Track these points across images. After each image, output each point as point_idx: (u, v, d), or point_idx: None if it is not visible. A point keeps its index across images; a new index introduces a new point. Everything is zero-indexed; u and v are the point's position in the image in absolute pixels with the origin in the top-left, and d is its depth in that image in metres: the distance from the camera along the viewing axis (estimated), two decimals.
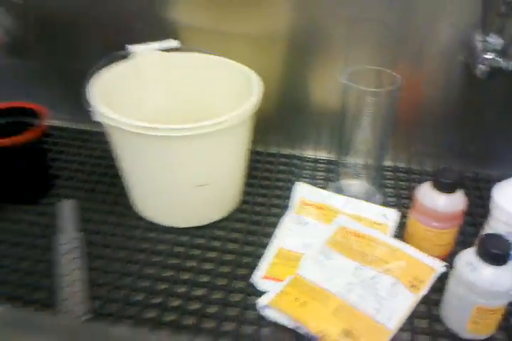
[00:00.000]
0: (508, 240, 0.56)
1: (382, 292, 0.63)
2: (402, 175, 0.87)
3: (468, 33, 0.75)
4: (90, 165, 0.88)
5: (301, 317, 0.59)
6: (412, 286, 0.64)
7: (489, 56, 0.72)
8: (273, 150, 0.92)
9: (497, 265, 0.56)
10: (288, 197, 0.80)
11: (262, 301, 0.62)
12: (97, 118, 0.66)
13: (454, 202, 0.67)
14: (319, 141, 0.91)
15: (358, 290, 0.63)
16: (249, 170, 0.83)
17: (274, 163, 0.90)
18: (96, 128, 0.93)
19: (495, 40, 0.72)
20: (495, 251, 0.55)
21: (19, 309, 0.61)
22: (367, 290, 0.63)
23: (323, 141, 0.91)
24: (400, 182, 0.86)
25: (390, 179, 0.87)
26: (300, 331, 0.59)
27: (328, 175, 0.87)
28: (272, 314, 0.61)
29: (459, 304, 0.59)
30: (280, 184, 0.85)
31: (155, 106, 0.80)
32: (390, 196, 0.83)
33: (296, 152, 0.92)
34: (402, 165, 0.89)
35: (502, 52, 0.72)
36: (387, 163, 0.89)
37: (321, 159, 0.91)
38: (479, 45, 0.73)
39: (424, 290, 0.64)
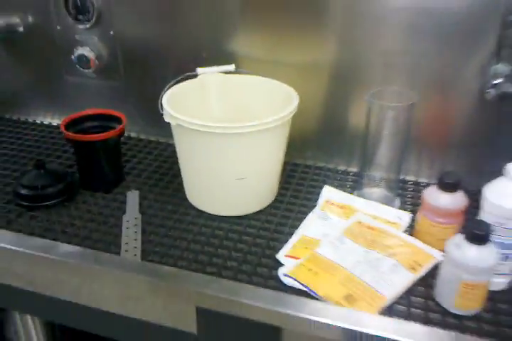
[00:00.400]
0: (488, 224, 0.67)
1: (384, 269, 0.74)
2: (422, 188, 0.98)
3: (482, 62, 0.88)
4: (154, 167, 1.06)
5: (312, 283, 0.72)
6: (412, 268, 0.75)
7: (497, 80, 0.85)
8: (309, 162, 1.07)
9: (479, 244, 0.66)
10: (317, 200, 0.93)
11: (281, 270, 0.75)
12: (167, 119, 0.84)
13: (455, 201, 0.78)
14: (351, 157, 1.05)
15: (363, 266, 0.74)
16: (285, 177, 0.97)
17: (309, 173, 1.04)
18: (162, 139, 1.14)
19: (503, 67, 0.85)
20: (477, 232, 0.66)
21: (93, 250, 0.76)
22: (371, 267, 0.74)
23: (355, 157, 1.04)
24: (419, 194, 0.96)
25: (411, 191, 0.98)
26: (311, 294, 0.71)
27: (354, 185, 0.99)
28: (289, 281, 0.74)
29: (448, 280, 0.69)
30: (311, 189, 0.98)
31: (213, 115, 0.97)
32: (408, 204, 0.94)
33: (330, 165, 1.06)
34: (423, 180, 1.01)
35: (509, 78, 0.85)
36: (411, 177, 1.01)
37: (350, 172, 1.04)
38: (491, 72, 0.86)
39: (422, 272, 0.75)
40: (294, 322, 0.60)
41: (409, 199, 0.96)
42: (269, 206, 0.93)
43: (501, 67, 0.85)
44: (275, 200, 0.95)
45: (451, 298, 0.69)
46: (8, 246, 0.72)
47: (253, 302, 0.60)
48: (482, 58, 0.87)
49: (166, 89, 0.91)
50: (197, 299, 0.62)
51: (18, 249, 0.72)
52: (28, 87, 1.23)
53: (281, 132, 0.86)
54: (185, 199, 0.95)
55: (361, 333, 0.57)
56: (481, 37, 0.86)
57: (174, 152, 0.98)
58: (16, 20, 1.15)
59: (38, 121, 1.25)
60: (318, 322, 0.58)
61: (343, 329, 0.58)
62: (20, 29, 1.16)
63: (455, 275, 0.68)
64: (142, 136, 1.17)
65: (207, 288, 0.63)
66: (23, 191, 0.92)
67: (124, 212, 0.91)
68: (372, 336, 0.57)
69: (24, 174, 0.95)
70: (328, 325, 0.58)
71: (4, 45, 1.19)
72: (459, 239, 0.68)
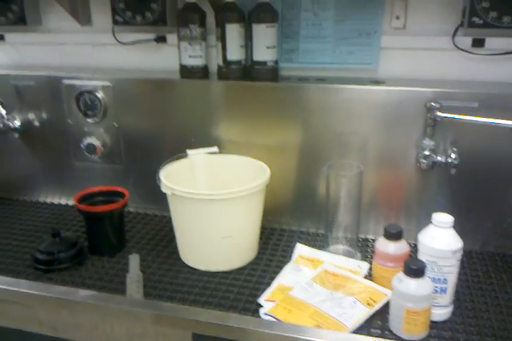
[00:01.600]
0: (422, 261, 0.85)
1: (345, 305, 0.90)
2: None
3: (417, 140, 1.11)
4: (151, 234, 1.24)
5: (288, 319, 0.87)
6: (368, 304, 0.91)
7: (426, 152, 1.07)
8: (284, 227, 1.25)
9: (416, 277, 0.84)
10: (291, 256, 1.11)
11: (262, 310, 0.91)
12: (164, 190, 1.03)
13: (400, 247, 0.96)
14: (319, 221, 1.23)
15: (328, 303, 0.91)
16: (264, 239, 1.15)
17: (285, 236, 1.22)
18: (157, 212, 1.32)
19: (429, 142, 1.08)
20: (413, 267, 0.84)
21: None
22: (335, 304, 0.91)
23: (322, 220, 1.23)
24: None
25: (370, 246, 1.16)
26: None
27: (322, 244, 1.17)
28: (269, 318, 0.89)
29: (396, 310, 0.86)
30: (286, 248, 1.16)
31: (200, 188, 1.17)
32: (368, 257, 1.11)
33: (302, 228, 1.25)
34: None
35: (435, 151, 1.07)
36: (370, 235, 1.20)
37: (319, 233, 1.23)
38: (421, 146, 1.09)
39: (377, 307, 0.91)
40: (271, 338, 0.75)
41: (369, 253, 1.14)
42: (251, 262, 1.10)
43: (428, 142, 1.07)
44: (256, 257, 1.12)
45: (400, 324, 0.85)
46: (37, 292, 0.88)
47: (239, 325, 0.76)
48: (415, 135, 1.10)
49: (162, 166, 1.11)
50: (193, 326, 0.78)
51: (44, 294, 0.87)
52: (40, 171, 1.42)
53: (257, 198, 1.06)
54: (179, 259, 1.12)
55: None
56: (412, 118, 1.10)
57: (168, 222, 1.17)
58: (32, 116, 1.38)
59: (48, 201, 1.44)
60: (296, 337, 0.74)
61: None
62: (36, 123, 1.39)
63: (400, 305, 0.85)
64: (140, 211, 1.36)
65: (200, 316, 0.79)
66: (41, 256, 1.09)
67: (127, 271, 1.07)
68: None
69: (41, 242, 1.12)
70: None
71: (21, 137, 1.40)
72: (401, 275, 0.86)
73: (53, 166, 1.41)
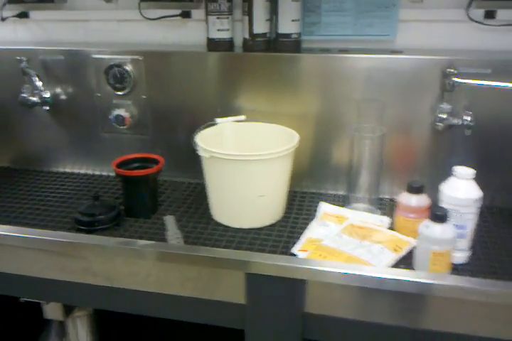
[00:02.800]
0: (446, 208, 0.94)
1: (375, 251, 0.99)
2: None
3: (433, 105, 1.19)
4: (182, 199, 1.31)
5: None
6: (395, 250, 1.00)
7: (443, 115, 1.15)
8: (304, 190, 1.33)
9: (441, 223, 0.92)
10: (314, 215, 1.19)
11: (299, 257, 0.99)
12: (201, 153, 1.11)
13: (421, 200, 1.05)
14: (337, 183, 1.32)
15: (359, 250, 0.99)
16: (288, 201, 1.23)
17: (306, 197, 1.30)
18: (183, 179, 1.39)
19: (446, 106, 1.16)
20: (438, 213, 0.92)
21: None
22: (365, 250, 0.99)
23: (340, 183, 1.31)
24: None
25: (389, 205, 1.25)
26: None
27: (343, 204, 1.25)
28: None
29: (422, 252, 0.94)
30: (309, 208, 1.24)
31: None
32: (385, 214, 1.20)
33: (321, 191, 1.33)
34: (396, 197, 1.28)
35: (452, 114, 1.15)
36: (386, 196, 1.28)
37: (338, 194, 1.31)
38: (437, 110, 1.17)
39: (403, 252, 1.00)
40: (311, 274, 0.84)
41: (387, 210, 1.22)
42: (280, 220, 1.18)
43: (445, 106, 1.16)
44: (283, 216, 1.20)
45: (426, 266, 0.94)
46: (92, 242, 0.95)
47: (290, 263, 0.85)
48: (431, 100, 1.18)
49: (196, 132, 1.18)
50: (247, 266, 0.86)
51: (100, 243, 0.95)
52: (69, 143, 1.48)
53: (288, 160, 1.14)
54: (212, 219, 1.19)
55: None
56: (428, 85, 1.18)
57: (195, 187, 1.27)
58: (60, 90, 1.44)
59: (77, 172, 1.50)
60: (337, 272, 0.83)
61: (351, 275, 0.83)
62: (64, 97, 1.44)
63: (427, 248, 0.93)
64: (166, 178, 1.42)
65: (253, 257, 0.87)
66: (83, 218, 1.15)
67: (165, 230, 1.14)
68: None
69: (82, 205, 1.19)
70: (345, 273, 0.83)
71: (50, 110, 1.45)
72: (427, 221, 0.94)
73: (82, 138, 1.47)
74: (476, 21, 1.21)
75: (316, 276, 0.84)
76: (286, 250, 1.06)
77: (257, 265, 0.86)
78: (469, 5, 1.20)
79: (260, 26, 1.28)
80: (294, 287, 0.87)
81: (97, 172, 1.48)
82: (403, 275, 0.82)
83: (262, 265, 0.86)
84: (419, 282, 0.81)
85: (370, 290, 0.84)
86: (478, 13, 1.21)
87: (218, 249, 0.99)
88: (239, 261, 0.87)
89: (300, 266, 0.84)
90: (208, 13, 1.30)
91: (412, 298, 0.83)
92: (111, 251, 0.94)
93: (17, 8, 1.51)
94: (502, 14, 1.19)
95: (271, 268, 0.85)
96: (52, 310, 1.11)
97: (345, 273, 0.84)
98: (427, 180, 1.11)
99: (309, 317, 0.89)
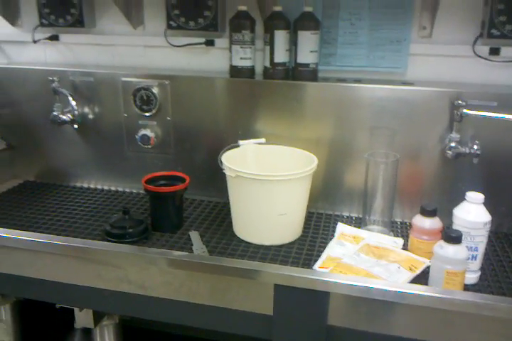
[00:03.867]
0: (459, 230, 1.02)
1: (392, 270, 1.06)
2: (408, 226, 1.34)
3: (441, 133, 1.28)
4: (204, 216, 1.38)
5: None
6: (410, 269, 1.07)
7: (452, 144, 1.24)
8: (320, 211, 1.41)
9: (454, 244, 1.00)
10: (331, 235, 1.27)
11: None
12: (227, 172, 1.18)
13: (434, 223, 1.13)
14: (351, 206, 1.40)
15: (377, 268, 1.07)
16: (306, 220, 1.31)
17: (322, 218, 1.38)
18: (203, 197, 1.46)
19: (455, 135, 1.25)
20: (452, 235, 1.00)
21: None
22: (383, 269, 1.06)
23: (354, 206, 1.39)
24: (406, 229, 1.32)
25: (400, 228, 1.33)
26: None
27: (357, 225, 1.33)
28: None
29: (437, 271, 1.02)
30: (326, 228, 1.32)
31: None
32: (398, 236, 1.28)
33: (337, 212, 1.41)
34: (407, 220, 1.36)
35: (460, 143, 1.25)
36: (398, 219, 1.36)
37: (352, 216, 1.39)
38: (447, 139, 1.26)
39: (418, 271, 1.07)
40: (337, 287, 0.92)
41: (400, 232, 1.30)
42: (298, 239, 1.26)
43: (454, 135, 1.25)
44: (301, 235, 1.28)
45: (440, 284, 1.01)
46: (131, 251, 1.02)
47: (317, 277, 0.92)
48: (440, 129, 1.28)
49: (221, 153, 1.26)
50: (275, 278, 0.93)
51: (137, 252, 1.02)
52: (95, 161, 1.56)
53: (307, 181, 1.22)
54: (234, 235, 1.27)
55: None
56: (437, 115, 1.27)
57: (215, 205, 1.35)
58: (89, 110, 1.52)
59: (101, 187, 1.57)
60: (358, 285, 0.90)
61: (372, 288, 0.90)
62: (92, 116, 1.52)
63: (441, 267, 1.01)
64: (187, 196, 1.50)
65: (283, 269, 0.94)
66: (113, 230, 1.22)
67: (191, 245, 1.21)
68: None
69: (112, 218, 1.26)
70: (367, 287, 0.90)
71: (79, 129, 1.53)
72: (441, 242, 1.02)
73: (108, 156, 1.54)
74: (482, 57, 1.31)
75: (340, 289, 0.92)
76: (307, 266, 1.13)
77: (286, 277, 0.93)
78: (475, 42, 1.31)
79: (280, 56, 1.38)
80: (318, 299, 0.94)
81: (121, 189, 1.55)
82: (423, 290, 0.89)
83: (291, 277, 0.93)
84: (438, 296, 0.88)
85: (390, 304, 0.91)
86: (484, 49, 1.31)
87: (248, 261, 1.06)
88: (269, 273, 0.94)
89: (326, 279, 0.92)
90: (232, 42, 1.39)
91: (430, 312, 0.90)
92: (146, 260, 1.01)
93: (48, 31, 1.60)
94: (506, 51, 1.29)
95: (299, 281, 0.93)
96: (83, 318, 1.17)
97: (367, 286, 0.91)
98: (436, 205, 1.19)
99: (332, 329, 0.96)
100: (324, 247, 1.21)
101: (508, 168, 1.27)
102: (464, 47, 1.32)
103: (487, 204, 1.07)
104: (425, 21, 1.34)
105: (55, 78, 1.48)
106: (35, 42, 1.60)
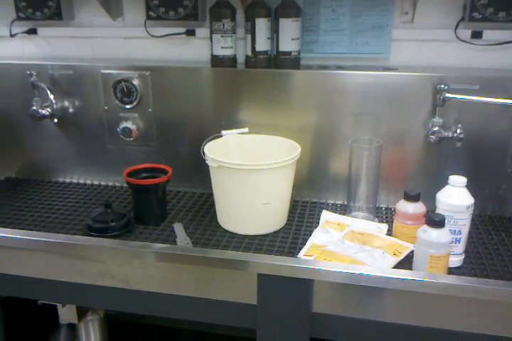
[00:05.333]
0: (442, 214, 1.01)
1: (376, 255, 1.06)
2: (392, 211, 1.33)
3: (425, 118, 1.27)
4: (188, 208, 1.36)
5: None
6: (394, 254, 1.07)
7: (435, 128, 1.24)
8: (305, 199, 1.40)
9: (438, 228, 0.99)
10: (316, 223, 1.26)
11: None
12: (210, 163, 1.17)
13: (418, 208, 1.12)
14: (336, 193, 1.39)
15: (361, 254, 1.06)
16: (290, 208, 1.30)
17: (307, 206, 1.37)
18: (186, 189, 1.45)
19: (438, 120, 1.24)
20: (435, 219, 0.99)
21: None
22: (367, 254, 1.06)
23: (339, 193, 1.38)
24: (391, 215, 1.31)
25: (384, 213, 1.32)
26: None
27: (342, 213, 1.32)
28: None
29: (421, 256, 1.01)
30: (311, 216, 1.31)
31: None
32: (383, 222, 1.27)
33: (322, 200, 1.40)
34: (392, 206, 1.35)
35: (443, 127, 1.24)
36: (383, 204, 1.36)
37: (337, 204, 1.38)
38: (430, 123, 1.25)
39: (402, 256, 1.06)
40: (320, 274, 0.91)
41: (384, 218, 1.29)
42: (283, 227, 1.25)
43: (437, 120, 1.24)
44: (286, 224, 1.27)
45: (424, 268, 1.01)
46: (112, 245, 1.01)
47: (299, 265, 0.91)
48: (423, 114, 1.27)
49: (204, 143, 1.25)
50: (258, 267, 0.92)
51: (119, 246, 1.00)
52: (76, 155, 1.54)
53: (291, 169, 1.21)
54: (219, 226, 1.25)
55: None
56: (420, 100, 1.26)
57: (199, 196, 1.34)
58: (69, 103, 1.50)
59: (83, 182, 1.55)
60: (341, 272, 0.90)
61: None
62: (73, 110, 1.50)
63: (425, 252, 1.00)
64: (171, 188, 1.48)
65: (266, 259, 0.93)
66: (95, 224, 1.21)
67: (175, 237, 1.20)
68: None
69: (94, 213, 1.24)
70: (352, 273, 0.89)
71: (59, 123, 1.51)
72: (425, 226, 1.01)
73: (89, 149, 1.52)
74: (464, 41, 1.30)
75: (324, 276, 0.91)
76: (291, 255, 1.12)
77: (269, 266, 0.92)
78: (457, 26, 1.30)
79: (262, 44, 1.36)
80: (302, 287, 0.93)
81: (104, 183, 1.53)
82: (407, 275, 0.89)
83: (274, 266, 0.92)
84: (422, 280, 0.88)
85: (375, 289, 0.91)
86: (466, 33, 1.30)
87: (231, 251, 1.05)
88: (252, 263, 0.93)
89: (310, 266, 0.91)
90: (212, 32, 1.37)
91: (414, 296, 0.90)
92: (129, 254, 1.00)
93: (26, 25, 1.57)
94: (488, 34, 1.29)
95: (282, 269, 0.92)
96: (66, 313, 1.15)
97: (351, 272, 0.90)
98: (421, 189, 1.19)
99: (317, 317, 0.95)
100: (309, 235, 1.20)
101: (491, 151, 1.26)
102: (446, 32, 1.31)
103: (471, 187, 1.06)
104: (407, 6, 1.33)
105: (33, 72, 1.46)
106: (12, 36, 1.57)
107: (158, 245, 1.01)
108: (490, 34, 1.28)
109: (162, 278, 1.00)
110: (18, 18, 1.55)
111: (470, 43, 1.30)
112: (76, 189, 1.50)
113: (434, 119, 1.25)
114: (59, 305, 1.15)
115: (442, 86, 1.21)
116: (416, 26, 1.34)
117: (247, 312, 0.98)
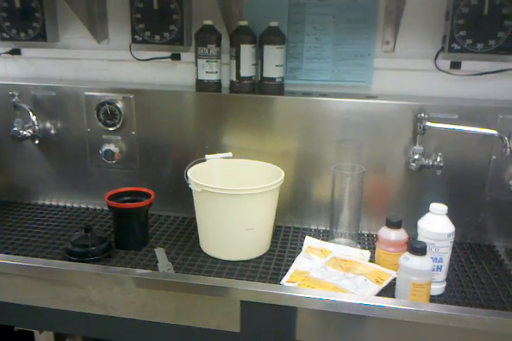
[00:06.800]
0: (424, 242, 1.02)
1: (359, 282, 1.06)
2: (374, 237, 1.34)
3: (405, 146, 1.29)
4: (170, 232, 1.35)
5: None
6: (377, 281, 1.07)
7: (416, 156, 1.26)
8: (288, 224, 1.40)
9: (420, 255, 1.00)
10: (299, 249, 1.26)
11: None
12: (193, 187, 1.17)
13: (399, 235, 1.13)
14: (319, 219, 1.39)
15: (344, 281, 1.06)
16: (273, 234, 1.29)
17: (290, 232, 1.37)
18: (169, 213, 1.44)
19: (418, 148, 1.26)
20: (417, 246, 1.00)
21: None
22: (350, 281, 1.06)
23: (321, 219, 1.39)
24: (373, 241, 1.32)
25: (367, 240, 1.33)
26: None
27: (325, 238, 1.32)
28: None
29: (403, 283, 1.01)
30: (294, 242, 1.31)
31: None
32: (365, 248, 1.28)
33: (304, 226, 1.40)
34: (374, 233, 1.36)
35: (424, 155, 1.26)
36: (365, 231, 1.36)
37: (320, 229, 1.38)
38: (411, 151, 1.27)
39: (384, 284, 1.07)
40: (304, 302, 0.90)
41: (366, 244, 1.30)
42: (266, 253, 1.25)
43: (417, 148, 1.26)
44: (269, 250, 1.26)
45: (406, 296, 1.01)
46: (92, 270, 0.99)
47: (284, 292, 0.91)
48: (404, 142, 1.29)
49: (187, 168, 1.25)
50: (242, 294, 0.91)
51: (99, 272, 0.98)
52: (57, 177, 1.52)
53: (274, 195, 1.21)
54: (201, 251, 1.24)
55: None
56: (401, 128, 1.29)
57: (182, 221, 1.36)
58: (51, 124, 1.49)
59: (64, 205, 1.53)
60: (324, 299, 0.89)
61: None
62: (55, 131, 1.49)
63: (407, 279, 1.00)
64: (153, 212, 1.47)
65: (249, 285, 0.93)
66: (75, 249, 1.18)
67: (156, 262, 1.18)
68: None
69: (73, 237, 1.22)
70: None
71: (40, 144, 1.49)
72: (407, 254, 1.02)
73: (70, 172, 1.51)
74: (443, 71, 1.34)
75: (308, 304, 0.91)
76: (274, 281, 1.11)
77: (252, 293, 0.91)
78: (437, 56, 1.33)
79: (246, 70, 1.38)
80: (285, 314, 0.92)
81: (84, 206, 1.52)
82: (389, 303, 0.89)
83: (257, 293, 0.91)
84: (405, 308, 0.88)
85: (358, 317, 0.91)
86: (445, 63, 1.34)
87: (214, 277, 1.04)
88: (235, 289, 0.93)
89: (294, 293, 0.91)
90: (197, 57, 1.38)
91: (397, 324, 0.90)
92: (109, 280, 0.98)
93: (9, 45, 1.56)
94: (467, 65, 1.32)
95: (266, 296, 0.91)
96: (44, 340, 1.12)
97: (334, 300, 0.90)
98: (402, 216, 1.20)
99: None
100: (292, 261, 1.19)
101: (470, 178, 1.29)
102: (426, 62, 1.34)
103: (451, 215, 1.08)
104: (388, 36, 1.37)
105: (15, 93, 1.45)
106: None
107: (139, 271, 1.00)
108: (468, 65, 1.32)
109: (142, 304, 0.98)
110: (2, 39, 1.54)
111: (449, 73, 1.34)
112: (56, 212, 1.48)
113: (414, 147, 1.27)
114: (36, 332, 1.12)
115: (423, 115, 1.24)
116: (397, 55, 1.37)
117: (229, 340, 0.96)
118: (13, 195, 1.55)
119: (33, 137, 1.47)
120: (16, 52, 1.57)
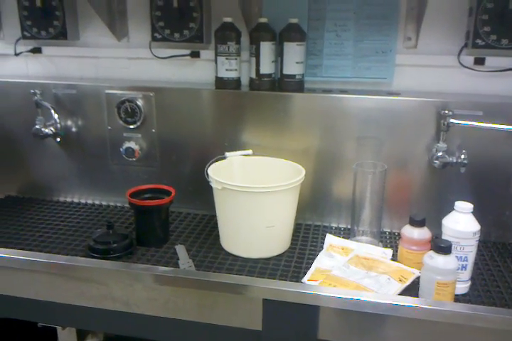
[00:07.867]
0: (449, 240, 1.01)
1: (382, 281, 1.05)
2: (396, 236, 1.32)
3: (428, 143, 1.27)
4: (190, 229, 1.35)
5: None
6: (400, 280, 1.06)
7: (439, 154, 1.24)
8: (308, 222, 1.39)
9: (444, 254, 0.99)
10: (320, 247, 1.25)
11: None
12: (214, 184, 1.16)
13: (423, 233, 1.12)
14: (339, 216, 1.38)
15: (367, 280, 1.05)
16: (294, 231, 1.29)
17: (310, 229, 1.36)
18: (189, 210, 1.44)
19: (442, 145, 1.24)
20: (442, 245, 0.99)
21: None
22: (372, 280, 1.05)
23: (342, 216, 1.38)
24: (395, 240, 1.30)
25: (389, 238, 1.32)
26: None
27: (346, 236, 1.31)
28: None
29: (427, 282, 1.00)
30: (314, 240, 1.30)
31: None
32: (387, 247, 1.26)
33: (325, 223, 1.39)
34: (396, 231, 1.35)
35: (447, 152, 1.24)
36: (387, 229, 1.35)
37: (341, 227, 1.37)
38: (434, 149, 1.26)
39: (408, 282, 1.05)
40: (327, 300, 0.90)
41: (388, 243, 1.29)
42: (287, 251, 1.24)
43: (441, 145, 1.24)
44: (290, 247, 1.26)
45: (431, 295, 1.00)
46: (114, 267, 0.99)
47: (301, 290, 0.90)
48: (427, 139, 1.27)
49: (208, 165, 1.25)
50: (263, 292, 0.91)
51: (121, 269, 0.99)
52: (78, 174, 1.53)
53: (295, 192, 1.20)
54: (221, 248, 1.24)
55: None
56: (424, 125, 1.27)
57: (201, 218, 1.35)
58: (72, 122, 1.50)
59: (85, 202, 1.54)
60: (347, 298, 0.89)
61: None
62: (76, 129, 1.50)
63: (431, 278, 0.99)
64: (173, 209, 1.47)
65: (271, 284, 0.92)
66: (97, 246, 1.19)
67: (177, 259, 1.18)
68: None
69: (96, 234, 1.23)
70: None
71: (61, 142, 1.50)
72: (431, 252, 1.01)
73: (91, 169, 1.52)
74: (467, 67, 1.32)
75: (330, 303, 0.90)
76: (295, 279, 1.11)
77: (274, 291, 0.91)
78: (460, 52, 1.31)
79: (266, 67, 1.37)
80: (308, 313, 0.92)
81: (105, 203, 1.52)
82: (414, 302, 0.88)
83: (279, 291, 0.91)
84: (429, 308, 0.87)
85: (381, 316, 0.90)
86: (469, 59, 1.31)
87: (236, 275, 1.04)
88: (257, 288, 0.92)
89: (316, 292, 0.90)
90: (217, 54, 1.38)
91: (421, 324, 0.88)
92: (131, 277, 0.99)
93: (30, 44, 1.57)
94: (491, 61, 1.30)
95: (288, 295, 0.91)
96: (66, 336, 1.13)
97: (357, 299, 0.89)
98: (424, 214, 1.19)
99: None
100: (313, 259, 1.19)
101: (494, 176, 1.26)
102: (449, 58, 1.32)
103: (475, 213, 1.06)
104: (410, 32, 1.35)
105: (37, 91, 1.46)
106: (17, 54, 1.58)
107: (161, 268, 1.00)
108: (493, 61, 1.30)
109: (165, 301, 0.99)
110: (23, 37, 1.56)
111: (473, 69, 1.31)
112: (77, 209, 1.49)
113: (438, 144, 1.25)
114: (59, 328, 1.13)
115: (446, 111, 1.22)
116: (419, 52, 1.35)
117: (251, 339, 0.96)
118: (35, 193, 1.57)
119: (54, 135, 1.48)
120: (37, 50, 1.58)
